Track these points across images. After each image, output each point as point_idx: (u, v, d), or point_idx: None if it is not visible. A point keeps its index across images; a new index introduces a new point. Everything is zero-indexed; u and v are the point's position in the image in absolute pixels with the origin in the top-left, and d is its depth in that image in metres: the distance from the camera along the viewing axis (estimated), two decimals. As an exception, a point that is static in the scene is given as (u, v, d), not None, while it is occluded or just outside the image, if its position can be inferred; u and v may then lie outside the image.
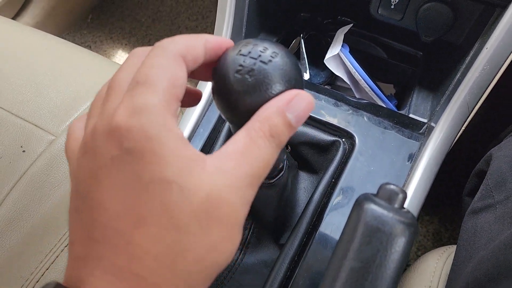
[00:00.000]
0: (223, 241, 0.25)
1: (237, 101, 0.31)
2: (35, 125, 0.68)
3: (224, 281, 0.55)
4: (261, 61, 0.30)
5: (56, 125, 0.68)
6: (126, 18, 1.38)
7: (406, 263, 0.31)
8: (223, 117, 0.36)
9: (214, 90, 0.31)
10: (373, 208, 0.31)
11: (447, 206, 1.17)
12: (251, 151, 0.26)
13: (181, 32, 1.38)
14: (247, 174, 0.26)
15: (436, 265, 0.56)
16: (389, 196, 0.32)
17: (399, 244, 0.30)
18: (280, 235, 0.58)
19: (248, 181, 0.26)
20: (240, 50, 0.30)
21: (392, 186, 0.32)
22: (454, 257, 0.50)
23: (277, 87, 0.30)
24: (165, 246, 0.23)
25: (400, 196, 0.32)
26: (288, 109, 0.28)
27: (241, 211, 0.27)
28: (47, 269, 0.58)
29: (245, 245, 0.58)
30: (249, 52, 0.30)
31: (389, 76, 0.71)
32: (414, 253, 1.12)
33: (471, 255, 0.45)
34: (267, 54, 0.30)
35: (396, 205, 0.32)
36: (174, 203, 0.23)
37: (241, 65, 0.29)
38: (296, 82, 0.32)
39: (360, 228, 0.30)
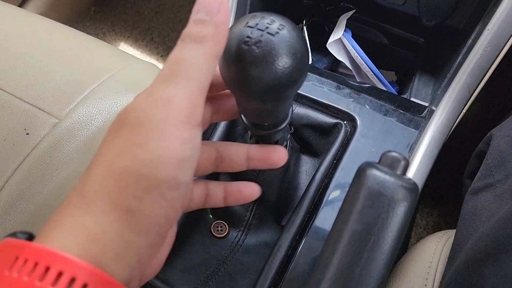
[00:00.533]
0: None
1: (244, 73, 0.31)
2: (39, 108, 0.69)
3: (225, 260, 0.55)
4: (268, 33, 0.30)
5: (59, 109, 0.68)
6: (129, 11, 1.39)
7: (407, 229, 0.32)
8: (230, 90, 0.36)
9: (222, 62, 0.32)
10: (375, 173, 0.31)
11: (447, 199, 1.18)
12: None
13: (183, 25, 1.38)
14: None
15: (436, 246, 0.56)
16: (391, 163, 0.33)
17: (401, 208, 0.30)
18: (282, 217, 0.59)
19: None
20: (247, 22, 0.31)
21: (394, 153, 0.33)
22: (454, 237, 0.50)
23: (284, 59, 0.31)
24: None
25: (402, 163, 0.33)
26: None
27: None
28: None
29: (246, 226, 0.58)
30: (257, 24, 0.30)
31: (391, 63, 0.71)
32: (413, 244, 1.13)
33: (471, 233, 0.46)
34: (274, 26, 0.30)
35: (398, 172, 0.32)
36: None
37: (248, 37, 0.30)
38: (302, 56, 0.32)
39: (362, 192, 0.31)
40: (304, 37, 0.33)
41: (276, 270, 0.49)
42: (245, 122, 0.41)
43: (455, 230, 0.62)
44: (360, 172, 0.32)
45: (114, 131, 0.29)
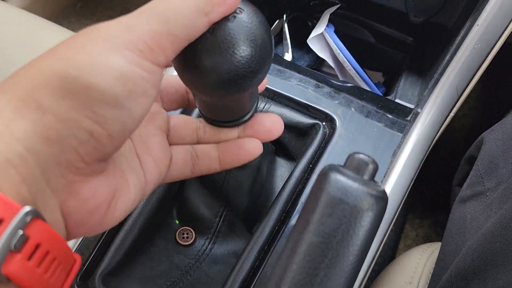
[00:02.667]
0: None
1: (196, 63, 0.28)
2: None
3: (189, 271, 0.51)
4: (224, 18, 0.27)
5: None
6: (116, 7, 1.35)
7: (371, 243, 0.27)
8: (188, 88, 0.33)
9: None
10: (338, 178, 0.27)
11: (439, 209, 1.13)
12: None
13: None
14: None
15: (418, 260, 0.52)
16: (358, 166, 0.28)
17: (365, 219, 0.26)
18: (253, 224, 0.54)
19: None
20: None
21: (361, 156, 0.29)
22: (439, 250, 0.46)
23: (241, 47, 0.28)
24: None
25: (370, 166, 0.28)
26: None
27: None
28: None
29: (214, 234, 0.54)
30: None
31: (378, 63, 0.67)
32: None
33: (458, 247, 0.42)
34: None
35: (366, 177, 0.28)
36: None
37: None
38: (263, 43, 0.29)
39: (322, 199, 0.27)
40: (266, 23, 0.30)
41: (241, 283, 0.45)
42: (204, 117, 0.37)
43: (439, 243, 0.57)
44: (321, 176, 0.28)
45: (61, 42, 0.25)
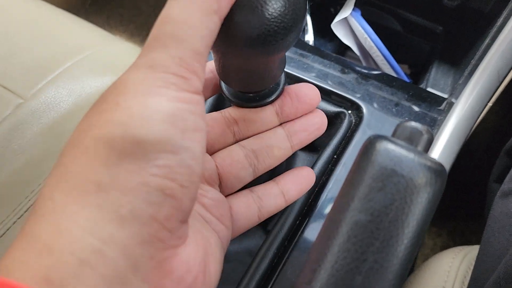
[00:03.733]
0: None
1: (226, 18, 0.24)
2: (4, 87, 0.61)
3: (200, 269, 0.46)
4: None
5: (26, 88, 0.60)
6: (126, 5, 1.32)
7: (427, 226, 0.23)
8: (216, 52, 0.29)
9: None
10: (389, 147, 0.23)
11: (457, 218, 1.08)
12: None
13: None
14: None
15: (451, 264, 0.47)
16: (410, 136, 0.24)
17: (422, 195, 0.22)
18: (269, 221, 0.50)
19: None
20: None
21: (413, 124, 0.24)
22: (479, 251, 0.41)
23: (274, 0, 0.24)
24: None
25: (425, 136, 0.24)
26: None
27: None
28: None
29: (228, 230, 0.50)
30: None
31: (405, 54, 0.63)
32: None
33: (505, 246, 0.37)
34: None
35: (419, 148, 0.24)
36: None
37: None
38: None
39: (369, 171, 0.22)
40: None
41: (258, 282, 0.40)
42: (227, 94, 0.34)
43: (471, 246, 0.53)
44: (367, 146, 0.23)
45: (89, 110, 0.22)
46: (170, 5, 0.22)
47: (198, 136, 0.22)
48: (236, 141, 0.35)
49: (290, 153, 0.35)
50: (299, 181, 0.35)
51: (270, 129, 0.34)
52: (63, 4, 1.25)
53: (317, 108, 0.48)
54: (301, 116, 0.34)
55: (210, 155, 0.34)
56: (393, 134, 0.24)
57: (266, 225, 0.50)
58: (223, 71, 0.31)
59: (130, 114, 0.20)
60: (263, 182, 0.37)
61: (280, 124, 0.34)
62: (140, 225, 0.19)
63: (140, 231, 0.19)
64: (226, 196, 0.34)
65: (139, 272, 0.19)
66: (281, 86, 0.33)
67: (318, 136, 0.35)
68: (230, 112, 0.34)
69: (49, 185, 0.20)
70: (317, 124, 0.34)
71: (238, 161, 0.34)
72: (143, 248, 0.19)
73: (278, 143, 0.34)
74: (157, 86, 0.21)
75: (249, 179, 0.35)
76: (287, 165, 0.51)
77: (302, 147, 0.35)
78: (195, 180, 0.22)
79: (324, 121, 0.35)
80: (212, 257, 0.26)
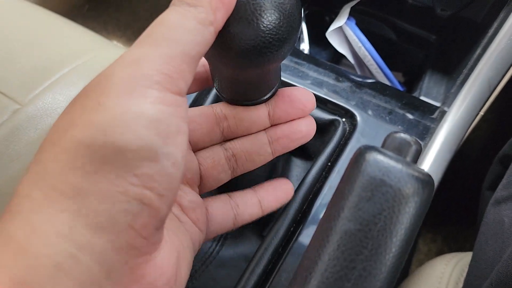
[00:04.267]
0: None
1: (222, 29, 0.25)
2: (1, 93, 0.61)
3: (195, 275, 0.47)
4: None
5: (23, 94, 0.61)
6: (124, 10, 1.33)
7: (415, 235, 0.24)
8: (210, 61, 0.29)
9: None
10: (377, 157, 0.23)
11: (452, 224, 1.09)
12: None
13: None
14: None
15: (443, 270, 0.48)
16: (399, 146, 0.25)
17: (410, 204, 0.22)
18: (264, 226, 0.50)
19: None
20: None
21: (402, 135, 0.25)
22: (472, 258, 0.41)
23: (269, 11, 0.25)
24: None
25: (413, 147, 0.25)
26: None
27: None
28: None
29: (223, 236, 0.50)
30: None
31: (398, 62, 0.64)
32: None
33: (498, 253, 0.37)
34: None
35: (408, 158, 0.24)
36: None
37: None
38: (291, 9, 0.26)
39: (359, 181, 0.23)
40: None
41: (253, 287, 0.41)
42: (222, 98, 0.34)
43: (464, 253, 0.53)
44: (357, 156, 0.24)
45: (69, 104, 0.22)
46: (167, 11, 0.23)
47: (180, 140, 0.22)
48: (223, 138, 0.35)
49: (270, 159, 0.36)
50: (277, 194, 0.37)
51: (255, 132, 0.35)
52: (60, 10, 1.25)
53: (310, 115, 0.49)
54: (290, 121, 0.35)
55: (194, 152, 0.34)
56: (383, 145, 0.25)
57: (261, 231, 0.51)
58: (219, 81, 0.32)
59: (112, 117, 0.19)
60: (245, 185, 0.38)
61: (265, 129, 0.35)
62: (116, 233, 0.19)
63: (116, 238, 0.19)
64: (202, 195, 0.34)
65: (112, 278, 0.20)
66: (275, 86, 0.34)
67: (302, 144, 0.36)
68: (222, 107, 0.34)
69: (27, 183, 0.20)
70: (302, 132, 0.35)
71: (219, 163, 0.34)
72: (118, 255, 0.20)
73: (259, 149, 0.34)
74: (140, 85, 0.20)
75: (226, 180, 0.35)
76: (282, 170, 0.51)
77: (284, 152, 0.36)
78: (174, 187, 0.22)
79: (311, 130, 0.35)
80: (183, 260, 0.26)
